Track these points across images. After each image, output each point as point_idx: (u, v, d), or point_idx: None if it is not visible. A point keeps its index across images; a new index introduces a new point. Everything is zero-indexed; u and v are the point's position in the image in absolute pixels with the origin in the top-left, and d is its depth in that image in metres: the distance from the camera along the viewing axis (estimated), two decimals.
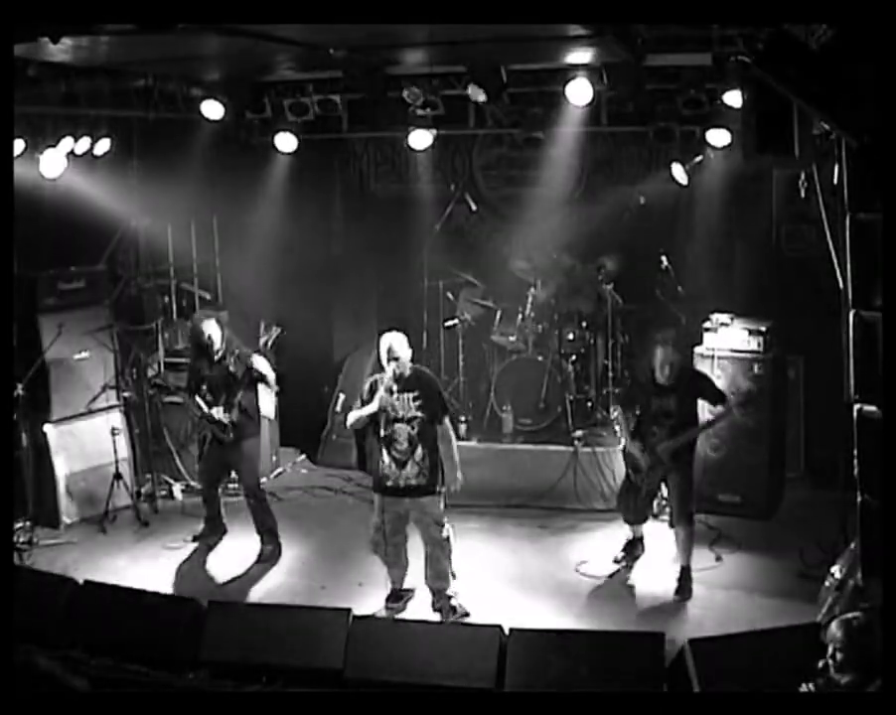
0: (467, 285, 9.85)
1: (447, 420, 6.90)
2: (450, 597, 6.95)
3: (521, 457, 9.04)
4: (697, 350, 8.50)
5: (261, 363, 7.82)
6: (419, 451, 6.73)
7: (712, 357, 8.38)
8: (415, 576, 7.12)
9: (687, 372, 7.45)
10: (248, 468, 7.94)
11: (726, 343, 8.46)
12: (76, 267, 8.91)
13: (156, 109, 8.44)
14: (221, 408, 7.76)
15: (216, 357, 7.83)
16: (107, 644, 6.15)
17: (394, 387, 6.72)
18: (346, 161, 10.59)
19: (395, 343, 6.74)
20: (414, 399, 6.73)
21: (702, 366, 8.23)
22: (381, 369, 6.83)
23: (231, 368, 7.76)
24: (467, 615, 6.88)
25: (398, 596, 7.10)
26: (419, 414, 6.72)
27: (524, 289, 9.47)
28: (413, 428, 6.72)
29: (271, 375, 7.83)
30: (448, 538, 6.91)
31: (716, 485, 8.47)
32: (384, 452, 6.78)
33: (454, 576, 7.03)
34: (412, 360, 6.86)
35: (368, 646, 5.91)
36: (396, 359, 6.68)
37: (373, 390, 6.80)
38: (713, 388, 7.44)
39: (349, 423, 7.08)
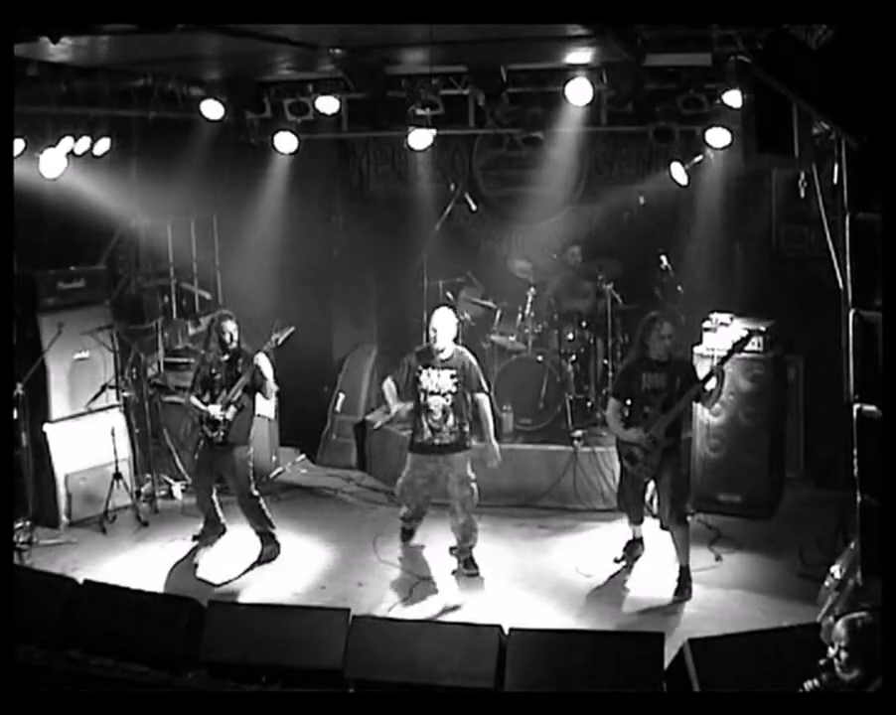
0: (467, 285, 9.85)
1: (481, 395, 7.59)
2: (471, 548, 7.64)
3: (521, 457, 9.04)
4: (697, 350, 8.50)
5: (265, 366, 7.78)
6: (451, 419, 7.49)
7: (712, 356, 8.37)
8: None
9: (679, 357, 7.42)
10: (237, 477, 7.85)
11: (726, 343, 8.43)
12: (76, 267, 8.90)
13: (156, 109, 8.44)
14: (217, 406, 7.75)
15: (228, 357, 7.82)
16: (107, 644, 6.16)
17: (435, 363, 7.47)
18: (346, 161, 10.58)
19: (438, 319, 7.49)
20: (451, 376, 7.46)
21: (702, 366, 8.20)
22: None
23: (238, 369, 7.75)
24: (476, 573, 7.58)
25: (411, 533, 8.13)
26: (454, 389, 7.45)
27: (524, 289, 9.46)
28: (447, 400, 7.47)
29: (271, 383, 7.80)
30: (472, 495, 7.56)
31: (716, 485, 8.49)
32: (423, 418, 7.53)
33: (475, 530, 7.67)
34: (455, 341, 7.62)
35: (368, 646, 5.90)
36: (436, 331, 7.43)
37: (408, 367, 7.56)
38: (696, 374, 7.37)
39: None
